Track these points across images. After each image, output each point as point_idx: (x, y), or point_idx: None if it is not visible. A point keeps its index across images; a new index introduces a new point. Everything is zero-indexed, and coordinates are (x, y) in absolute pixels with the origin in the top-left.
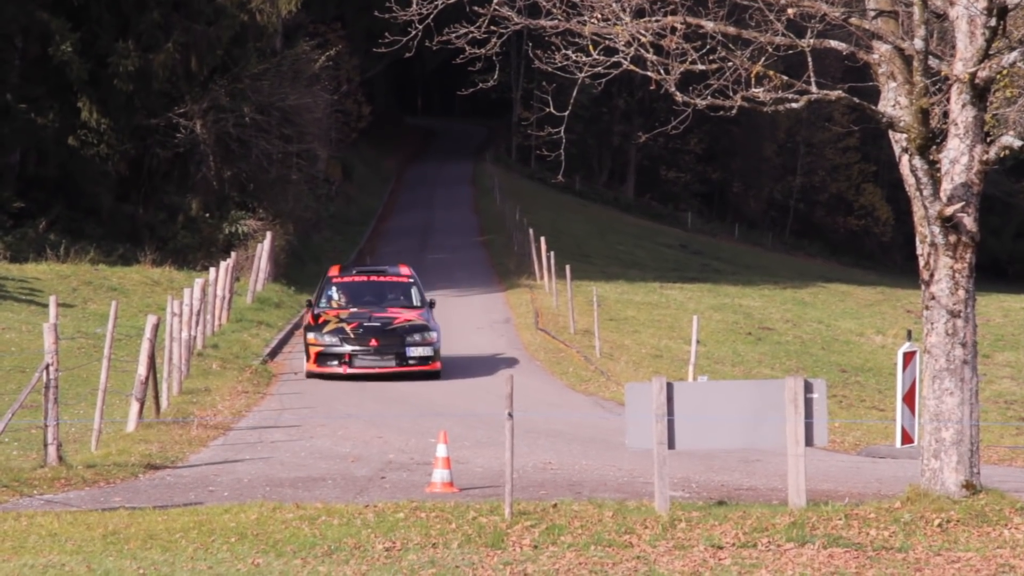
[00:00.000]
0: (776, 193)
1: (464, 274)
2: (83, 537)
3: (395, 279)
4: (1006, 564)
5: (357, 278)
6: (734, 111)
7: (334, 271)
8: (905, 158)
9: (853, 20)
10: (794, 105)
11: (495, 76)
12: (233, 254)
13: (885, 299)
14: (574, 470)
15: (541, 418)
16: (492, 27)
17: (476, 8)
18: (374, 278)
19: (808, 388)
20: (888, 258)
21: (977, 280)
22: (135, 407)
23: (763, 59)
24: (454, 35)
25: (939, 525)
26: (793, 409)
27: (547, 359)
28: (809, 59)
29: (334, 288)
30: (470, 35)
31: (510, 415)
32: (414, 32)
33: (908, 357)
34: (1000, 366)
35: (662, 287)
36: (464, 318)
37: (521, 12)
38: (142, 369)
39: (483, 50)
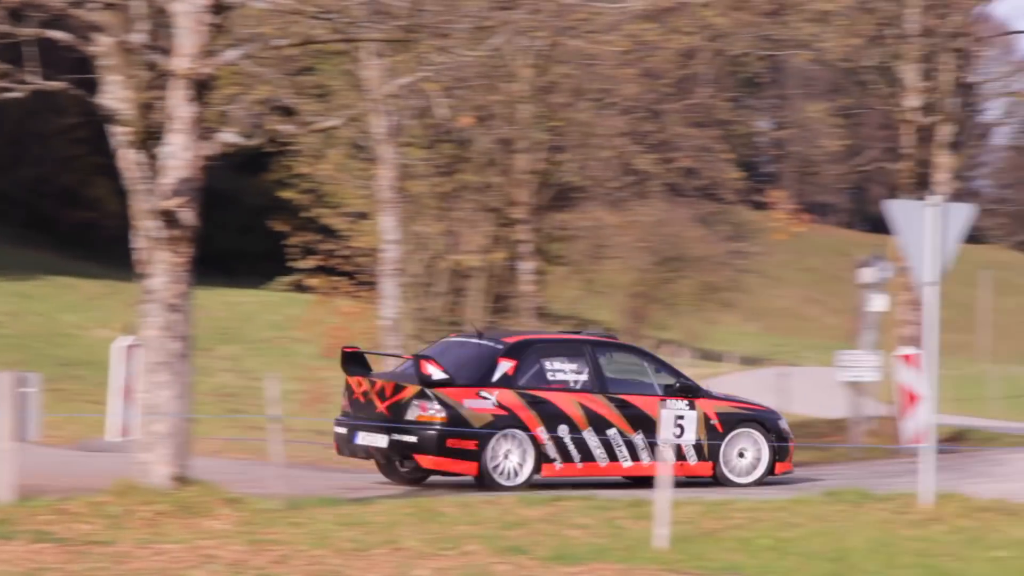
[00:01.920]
0: (5, 184)
1: None
2: None
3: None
4: (210, 554)
5: None
6: None
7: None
8: (126, 151)
9: (76, 11)
10: (16, 95)
11: None
12: None
13: (111, 292)
14: None
15: None
16: None
17: None
18: None
19: (21, 382)
20: (117, 251)
21: (202, 274)
22: None
23: None
24: None
25: (147, 518)
26: (5, 403)
27: None
28: (34, 49)
29: None
30: None
31: None
32: None
33: (131, 350)
34: (221, 359)
35: None
36: None
37: None
38: None
39: None
